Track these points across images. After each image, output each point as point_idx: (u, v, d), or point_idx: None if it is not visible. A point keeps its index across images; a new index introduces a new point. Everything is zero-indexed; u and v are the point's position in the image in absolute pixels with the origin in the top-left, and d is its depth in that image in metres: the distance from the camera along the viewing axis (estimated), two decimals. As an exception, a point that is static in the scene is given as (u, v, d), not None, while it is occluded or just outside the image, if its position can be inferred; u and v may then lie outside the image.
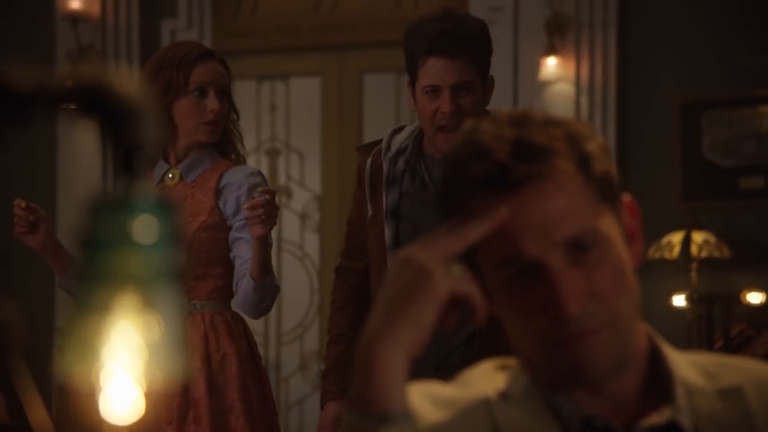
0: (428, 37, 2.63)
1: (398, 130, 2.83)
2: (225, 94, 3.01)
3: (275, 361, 5.32)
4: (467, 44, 2.63)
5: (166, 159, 3.05)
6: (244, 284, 2.91)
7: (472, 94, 2.65)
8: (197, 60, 2.98)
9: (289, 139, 5.45)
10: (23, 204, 2.89)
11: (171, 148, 3.04)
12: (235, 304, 3.01)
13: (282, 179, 5.45)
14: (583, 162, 1.18)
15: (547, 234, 1.16)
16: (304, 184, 5.39)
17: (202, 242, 2.96)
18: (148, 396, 0.69)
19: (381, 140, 2.82)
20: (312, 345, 5.25)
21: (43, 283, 5.22)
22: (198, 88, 2.96)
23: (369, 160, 2.80)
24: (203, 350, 2.94)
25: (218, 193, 2.99)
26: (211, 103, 2.96)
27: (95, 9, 5.38)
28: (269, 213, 2.77)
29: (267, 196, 2.77)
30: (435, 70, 2.63)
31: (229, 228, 2.97)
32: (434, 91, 2.64)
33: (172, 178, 3.03)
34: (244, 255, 2.93)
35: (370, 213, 2.81)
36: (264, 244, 2.83)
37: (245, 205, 2.83)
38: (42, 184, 5.41)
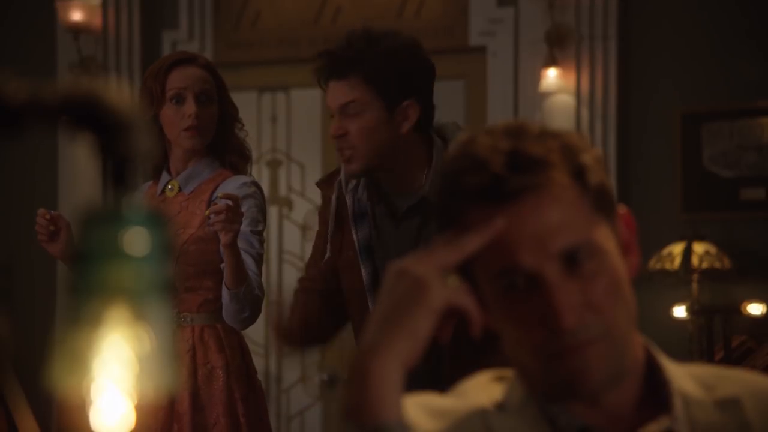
0: (321, 62, 2.53)
1: None
2: (207, 99, 2.97)
3: (276, 372, 5.32)
4: (353, 63, 2.46)
5: (168, 170, 3.05)
6: (223, 294, 2.90)
7: (360, 116, 2.47)
8: (171, 67, 2.96)
9: (290, 150, 5.45)
10: (47, 215, 2.90)
11: (171, 159, 3.03)
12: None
13: (283, 190, 5.46)
14: (579, 174, 1.18)
15: (542, 245, 1.16)
16: (305, 195, 5.39)
17: (190, 254, 2.94)
18: (139, 409, 0.69)
19: (339, 171, 2.65)
20: (312, 356, 5.24)
21: (44, 296, 5.23)
22: (175, 95, 2.95)
23: (334, 196, 2.64)
24: (190, 363, 2.92)
25: (210, 204, 2.95)
26: (189, 108, 2.93)
27: (97, 21, 5.39)
28: (231, 219, 2.73)
29: (228, 202, 2.73)
30: (329, 94, 2.53)
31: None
32: (333, 115, 2.54)
33: (172, 189, 3.02)
34: None
35: (328, 254, 2.64)
36: (234, 252, 2.79)
37: (207, 211, 2.82)
38: (43, 197, 5.41)
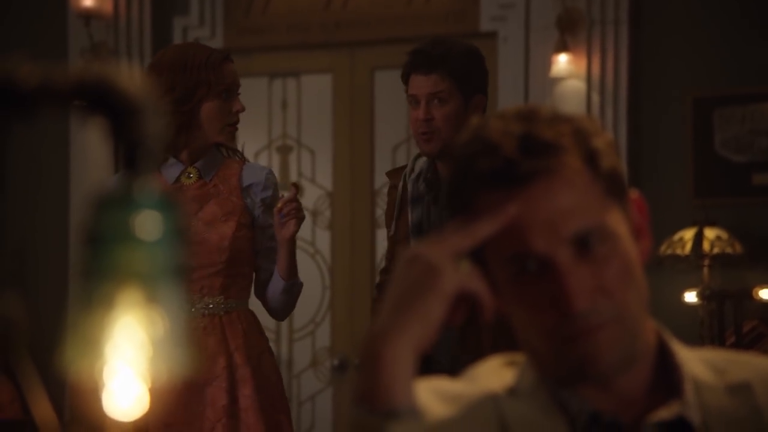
0: (410, 58, 3.07)
1: (420, 155, 3.13)
2: (237, 96, 3.06)
3: (287, 357, 5.33)
4: (441, 61, 3.01)
5: (178, 158, 3.04)
6: (272, 287, 3.01)
7: (446, 104, 3.01)
8: (223, 61, 3.00)
9: (301, 136, 5.45)
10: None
11: (185, 148, 3.02)
12: (266, 310, 3.10)
13: (293, 176, 5.45)
14: (591, 158, 1.18)
15: (555, 229, 1.16)
16: (315, 180, 5.39)
17: (241, 241, 3.01)
18: (154, 392, 0.69)
19: (406, 165, 3.17)
20: (324, 341, 5.25)
21: (56, 279, 5.24)
22: (226, 89, 2.98)
23: (401, 184, 3.13)
24: (244, 348, 2.97)
25: (243, 191, 3.04)
26: (237, 104, 3.01)
27: (108, 7, 5.39)
28: (300, 207, 2.93)
29: (294, 191, 2.93)
30: (414, 84, 3.06)
31: (256, 231, 3.05)
32: (415, 101, 3.05)
33: (190, 176, 3.03)
34: (269, 267, 3.04)
35: (392, 231, 3.14)
36: (293, 244, 2.97)
37: (277, 207, 2.93)
38: (55, 181, 5.42)
